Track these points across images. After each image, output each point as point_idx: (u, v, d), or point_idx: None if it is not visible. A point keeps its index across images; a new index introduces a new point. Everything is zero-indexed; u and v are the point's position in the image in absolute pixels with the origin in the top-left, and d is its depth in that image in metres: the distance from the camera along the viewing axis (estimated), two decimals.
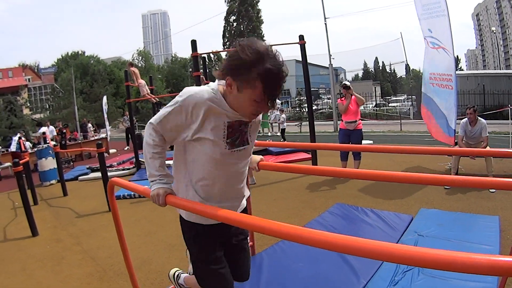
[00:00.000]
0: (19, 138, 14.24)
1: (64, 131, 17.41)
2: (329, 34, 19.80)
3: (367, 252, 1.23)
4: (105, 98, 23.84)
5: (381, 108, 31.90)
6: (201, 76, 8.58)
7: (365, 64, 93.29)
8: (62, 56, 58.38)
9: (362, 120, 8.26)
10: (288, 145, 10.03)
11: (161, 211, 6.50)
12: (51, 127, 17.47)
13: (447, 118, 7.09)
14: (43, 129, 16.37)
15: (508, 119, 10.58)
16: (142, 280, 4.03)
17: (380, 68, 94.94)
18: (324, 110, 33.48)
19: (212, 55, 41.01)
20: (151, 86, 15.04)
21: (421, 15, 7.70)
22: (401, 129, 17.59)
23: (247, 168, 2.34)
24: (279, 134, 18.62)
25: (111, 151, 18.62)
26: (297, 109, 25.92)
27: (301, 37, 8.74)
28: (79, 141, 19.33)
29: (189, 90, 2.00)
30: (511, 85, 22.03)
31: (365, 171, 2.42)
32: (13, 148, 14.11)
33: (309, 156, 9.57)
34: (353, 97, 7.76)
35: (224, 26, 35.60)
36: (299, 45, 8.86)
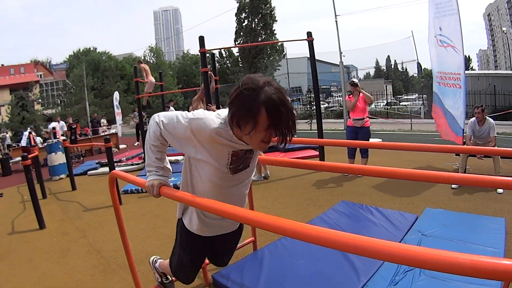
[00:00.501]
0: (29, 133, 14.37)
1: (74, 126, 17.55)
2: (341, 32, 19.77)
3: (366, 250, 1.22)
4: (116, 94, 23.97)
5: (392, 106, 31.73)
6: (209, 72, 8.58)
7: (377, 62, 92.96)
8: (73, 52, 58.68)
9: (373, 118, 8.25)
10: (294, 141, 10.01)
11: (167, 206, 6.57)
12: (62, 123, 17.59)
13: (455, 117, 7.06)
14: (53, 124, 16.49)
15: None
16: (145, 274, 4.08)
17: (392, 66, 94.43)
18: (335, 107, 33.33)
19: (223, 52, 41.02)
20: (161, 82, 15.13)
21: (434, 14, 7.67)
22: (411, 128, 17.51)
23: (248, 189, 2.38)
24: None
25: (121, 146, 18.76)
26: (308, 107, 25.76)
27: (309, 34, 8.72)
28: (89, 137, 19.45)
29: (201, 114, 2.00)
30: None
31: (364, 167, 2.42)
32: (23, 142, 14.26)
33: (317, 153, 9.56)
34: (361, 94, 7.75)
35: (236, 23, 35.52)
36: (307, 42, 8.82)
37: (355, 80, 8.04)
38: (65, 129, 17.13)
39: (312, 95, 29.27)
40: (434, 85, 8.12)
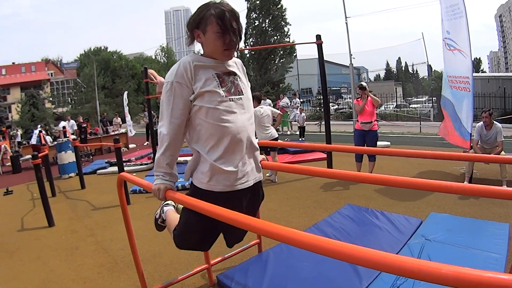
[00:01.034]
0: (40, 131, 14.50)
1: (85, 125, 17.67)
2: (351, 34, 19.59)
3: (364, 261, 1.23)
4: (125, 94, 24.09)
5: (402, 109, 31.56)
6: None
7: (387, 64, 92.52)
8: (84, 51, 59.06)
9: (382, 121, 8.25)
10: (303, 146, 10.03)
11: None
12: (72, 121, 17.73)
13: (463, 121, 7.04)
14: (63, 123, 16.62)
15: None
16: (151, 273, 4.15)
17: (403, 68, 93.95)
18: (344, 109, 33.21)
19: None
20: None
21: (444, 17, 7.66)
22: (420, 131, 17.43)
23: (253, 126, 2.44)
24: (298, 133, 18.59)
25: (131, 146, 18.87)
26: (317, 108, 25.70)
27: (318, 37, 8.72)
28: (99, 136, 19.58)
29: (172, 69, 2.25)
30: None
31: (368, 175, 2.45)
32: (33, 141, 14.39)
33: (325, 156, 9.58)
34: (369, 98, 7.77)
35: (246, 24, 35.49)
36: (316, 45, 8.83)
37: (364, 83, 8.04)
38: (75, 128, 17.26)
39: (322, 97, 29.20)
40: (444, 89, 8.09)
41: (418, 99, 41.21)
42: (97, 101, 36.58)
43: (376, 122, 7.90)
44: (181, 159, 10.19)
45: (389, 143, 12.65)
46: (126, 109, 21.55)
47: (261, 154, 2.59)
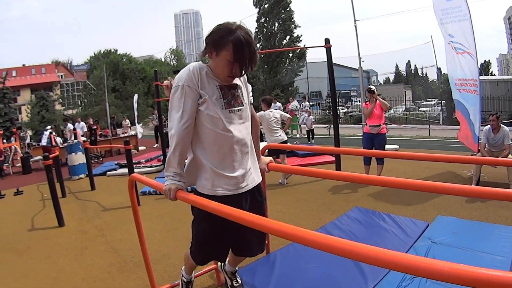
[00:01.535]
0: (50, 133, 14.62)
1: (95, 127, 17.79)
2: (361, 36, 19.60)
3: (366, 258, 1.29)
4: (136, 96, 24.23)
5: (411, 112, 31.47)
6: None
7: (396, 67, 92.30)
8: (94, 53, 59.50)
9: (391, 124, 8.25)
10: (311, 149, 10.03)
11: (183, 208, 6.64)
12: (82, 123, 17.86)
13: (474, 124, 7.04)
14: (70, 126, 16.73)
15: None
16: (160, 273, 4.20)
17: (412, 71, 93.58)
18: (354, 113, 33.14)
19: None
20: None
21: (441, 20, 7.64)
22: (429, 135, 17.38)
23: (251, 140, 2.58)
24: (306, 136, 18.61)
25: (140, 148, 18.97)
26: (327, 112, 25.70)
27: (327, 41, 8.74)
28: (109, 138, 19.70)
29: (181, 73, 2.36)
30: None
31: (376, 177, 2.49)
32: (44, 142, 14.51)
33: (333, 159, 9.59)
34: (377, 101, 7.78)
35: (256, 28, 35.57)
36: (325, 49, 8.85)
37: (372, 87, 8.05)
38: (85, 129, 17.38)
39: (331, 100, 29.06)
40: (454, 93, 8.08)
41: (428, 102, 41.10)
42: (107, 103, 36.77)
43: (384, 125, 7.90)
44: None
45: (397, 146, 12.64)
46: (136, 111, 21.67)
47: (271, 156, 2.72)
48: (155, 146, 19.48)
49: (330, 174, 2.76)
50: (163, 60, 63.06)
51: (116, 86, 46.58)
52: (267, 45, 34.27)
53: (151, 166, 11.98)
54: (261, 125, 8.24)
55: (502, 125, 6.89)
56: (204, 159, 2.42)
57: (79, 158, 11.68)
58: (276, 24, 35.11)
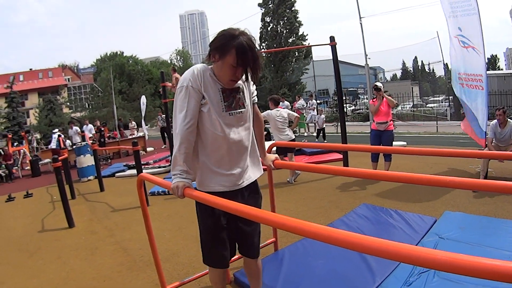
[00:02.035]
0: (59, 135, 14.72)
1: (103, 129, 17.88)
2: (367, 34, 19.58)
3: (377, 251, 1.28)
4: (143, 97, 24.31)
5: (419, 108, 31.29)
6: None
7: (403, 64, 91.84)
8: (101, 56, 59.81)
9: (398, 121, 8.22)
10: (318, 146, 10.06)
11: (192, 208, 6.65)
12: (90, 126, 17.95)
13: (478, 119, 7.01)
14: (76, 128, 16.82)
15: None
16: (169, 271, 4.25)
17: (419, 68, 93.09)
18: (361, 110, 33.01)
19: None
20: None
21: (449, 14, 7.60)
22: (437, 131, 17.31)
23: (250, 140, 2.65)
24: (314, 134, 18.57)
25: (148, 149, 19.05)
26: (334, 110, 25.67)
27: (332, 38, 8.74)
28: (117, 140, 19.80)
29: (185, 74, 2.42)
30: None
31: (384, 172, 2.50)
32: (53, 145, 14.61)
33: (341, 156, 9.59)
34: (384, 98, 7.76)
35: (261, 28, 35.61)
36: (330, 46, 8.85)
37: (379, 84, 8.03)
38: (93, 132, 17.48)
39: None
40: (455, 87, 8.05)
41: (435, 98, 40.82)
42: (114, 106, 36.91)
43: (391, 122, 7.89)
44: None
45: (405, 143, 12.58)
46: (143, 112, 21.74)
47: (279, 155, 2.77)
48: (163, 147, 19.58)
49: (338, 170, 2.77)
50: (169, 61, 63.17)
51: (123, 88, 46.75)
52: (273, 44, 34.28)
53: (159, 167, 12.03)
54: (268, 124, 8.27)
55: (509, 119, 6.86)
56: (203, 157, 2.52)
57: (87, 160, 11.77)
58: (281, 23, 35.12)
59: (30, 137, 22.67)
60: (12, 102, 30.72)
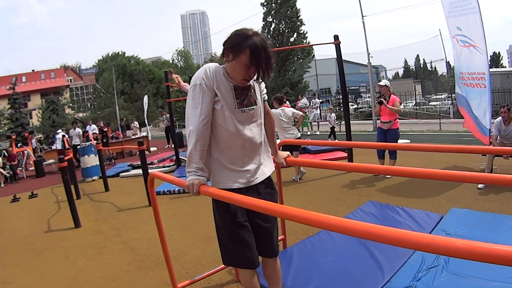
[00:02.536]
0: (63, 136, 14.74)
1: (106, 129, 17.91)
2: (369, 32, 19.55)
3: (392, 240, 1.33)
4: (146, 97, 24.34)
5: (421, 107, 31.21)
6: None
7: (405, 62, 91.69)
8: (102, 57, 59.78)
9: (402, 119, 8.24)
10: (322, 143, 10.07)
11: (199, 207, 6.74)
12: (93, 126, 17.98)
13: (479, 117, 7.01)
14: (78, 129, 16.85)
15: None
16: (178, 270, 4.25)
17: (422, 66, 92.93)
18: (364, 109, 32.94)
19: None
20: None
21: (449, 13, 7.60)
22: (440, 129, 17.27)
23: (262, 137, 2.65)
24: (318, 133, 18.57)
25: (152, 149, 19.09)
26: (337, 108, 25.63)
27: (336, 37, 8.74)
28: (121, 140, 19.82)
29: (199, 72, 2.44)
30: None
31: (389, 167, 2.51)
32: (58, 145, 14.63)
33: (346, 154, 9.60)
34: (390, 96, 7.79)
35: (263, 27, 35.60)
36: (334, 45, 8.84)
37: (384, 81, 8.08)
38: (97, 132, 17.51)
39: (341, 97, 28.75)
40: (457, 86, 8.06)
41: (438, 97, 40.76)
42: (117, 106, 36.93)
43: (396, 121, 7.90)
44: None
45: (409, 141, 12.58)
46: (146, 112, 21.77)
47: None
48: (166, 146, 19.59)
49: (348, 166, 2.80)
50: (171, 61, 63.11)
51: (125, 88, 46.77)
52: (275, 43, 34.27)
53: (163, 166, 12.05)
54: None
55: None
56: (217, 155, 2.52)
57: (92, 160, 11.79)
58: (283, 22, 35.12)
59: (33, 138, 22.71)
60: (15, 103, 30.85)
